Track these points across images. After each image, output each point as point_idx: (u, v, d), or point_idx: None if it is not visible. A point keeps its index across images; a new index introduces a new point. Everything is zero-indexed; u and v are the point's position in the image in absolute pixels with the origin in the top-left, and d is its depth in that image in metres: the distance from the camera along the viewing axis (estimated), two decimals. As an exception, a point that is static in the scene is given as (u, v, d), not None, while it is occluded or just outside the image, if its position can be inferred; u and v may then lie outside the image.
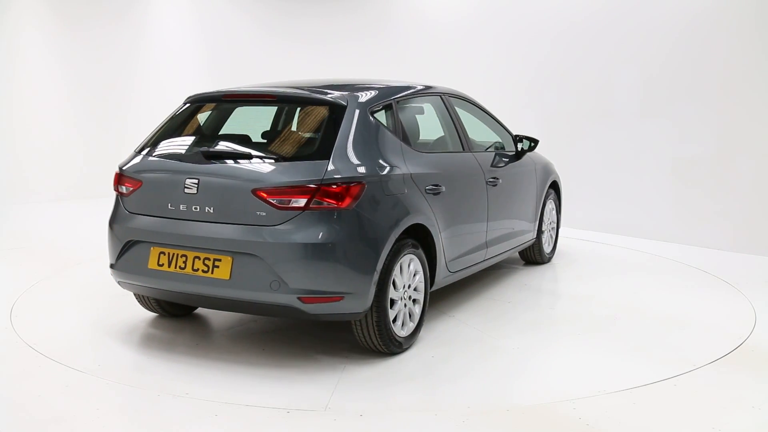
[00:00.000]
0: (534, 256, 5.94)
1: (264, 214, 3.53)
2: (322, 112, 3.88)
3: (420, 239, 4.09)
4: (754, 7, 6.49)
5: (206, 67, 10.53)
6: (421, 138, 4.63)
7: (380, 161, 3.85)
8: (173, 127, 4.20)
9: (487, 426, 3.10)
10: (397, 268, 3.82)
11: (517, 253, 5.92)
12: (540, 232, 5.80)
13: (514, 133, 5.53)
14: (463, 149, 4.77)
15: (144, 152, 4.09)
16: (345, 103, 3.86)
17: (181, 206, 3.74)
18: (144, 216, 3.89)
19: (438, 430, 3.05)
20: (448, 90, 4.98)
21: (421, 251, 4.04)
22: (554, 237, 6.23)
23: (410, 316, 4.01)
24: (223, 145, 4.02)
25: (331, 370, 3.73)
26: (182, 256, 3.71)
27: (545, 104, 8.21)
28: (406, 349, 3.98)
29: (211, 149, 3.92)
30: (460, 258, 4.52)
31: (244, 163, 3.69)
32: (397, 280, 3.84)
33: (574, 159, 7.85)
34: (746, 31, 6.55)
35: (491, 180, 4.86)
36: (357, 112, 3.86)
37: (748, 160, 6.62)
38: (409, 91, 4.50)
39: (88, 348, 4.07)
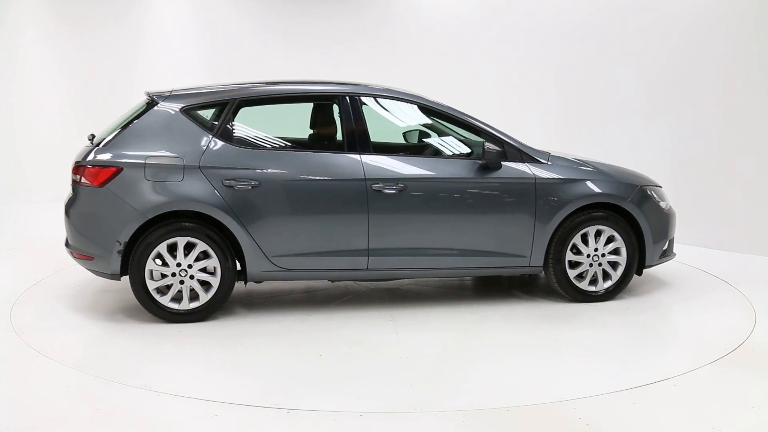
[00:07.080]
0: (554, 287, 4.98)
1: (71, 184, 4.55)
2: (143, 107, 4.63)
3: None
4: (754, 8, 6.49)
5: (206, 68, 10.51)
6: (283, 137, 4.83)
7: (159, 152, 4.41)
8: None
9: (487, 426, 3.10)
10: (162, 246, 4.38)
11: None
12: (558, 261, 4.84)
13: (518, 140, 4.86)
14: (349, 151, 4.63)
15: None
16: (159, 101, 4.56)
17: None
18: None
19: (438, 430, 3.05)
20: (360, 90, 4.79)
21: (214, 238, 4.41)
22: (616, 275, 4.95)
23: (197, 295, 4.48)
24: (93, 132, 4.80)
25: (331, 370, 3.74)
26: None
27: (546, 105, 8.20)
28: (188, 321, 4.44)
29: (90, 135, 4.77)
30: (301, 257, 4.54)
31: (85, 147, 4.60)
32: (166, 258, 4.40)
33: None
34: (746, 32, 6.55)
35: (382, 187, 4.57)
36: (162, 109, 4.54)
37: (748, 160, 6.62)
38: (262, 93, 4.75)
39: (88, 348, 4.08)
